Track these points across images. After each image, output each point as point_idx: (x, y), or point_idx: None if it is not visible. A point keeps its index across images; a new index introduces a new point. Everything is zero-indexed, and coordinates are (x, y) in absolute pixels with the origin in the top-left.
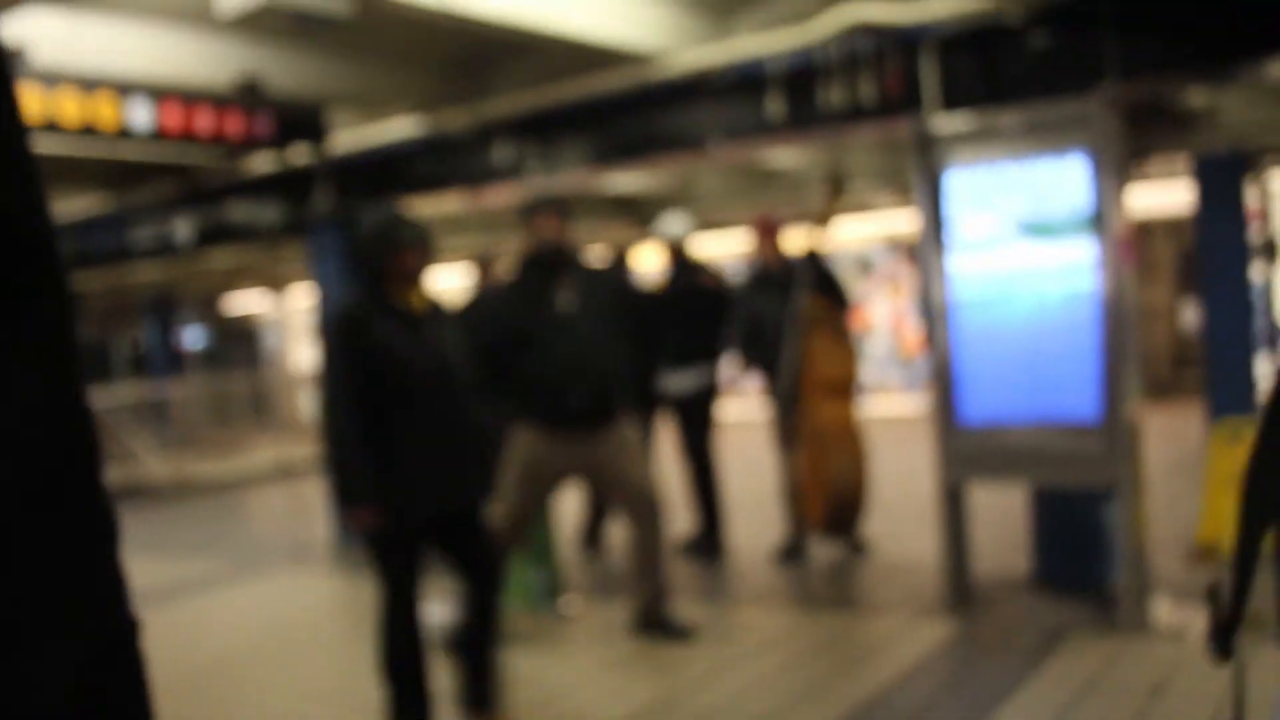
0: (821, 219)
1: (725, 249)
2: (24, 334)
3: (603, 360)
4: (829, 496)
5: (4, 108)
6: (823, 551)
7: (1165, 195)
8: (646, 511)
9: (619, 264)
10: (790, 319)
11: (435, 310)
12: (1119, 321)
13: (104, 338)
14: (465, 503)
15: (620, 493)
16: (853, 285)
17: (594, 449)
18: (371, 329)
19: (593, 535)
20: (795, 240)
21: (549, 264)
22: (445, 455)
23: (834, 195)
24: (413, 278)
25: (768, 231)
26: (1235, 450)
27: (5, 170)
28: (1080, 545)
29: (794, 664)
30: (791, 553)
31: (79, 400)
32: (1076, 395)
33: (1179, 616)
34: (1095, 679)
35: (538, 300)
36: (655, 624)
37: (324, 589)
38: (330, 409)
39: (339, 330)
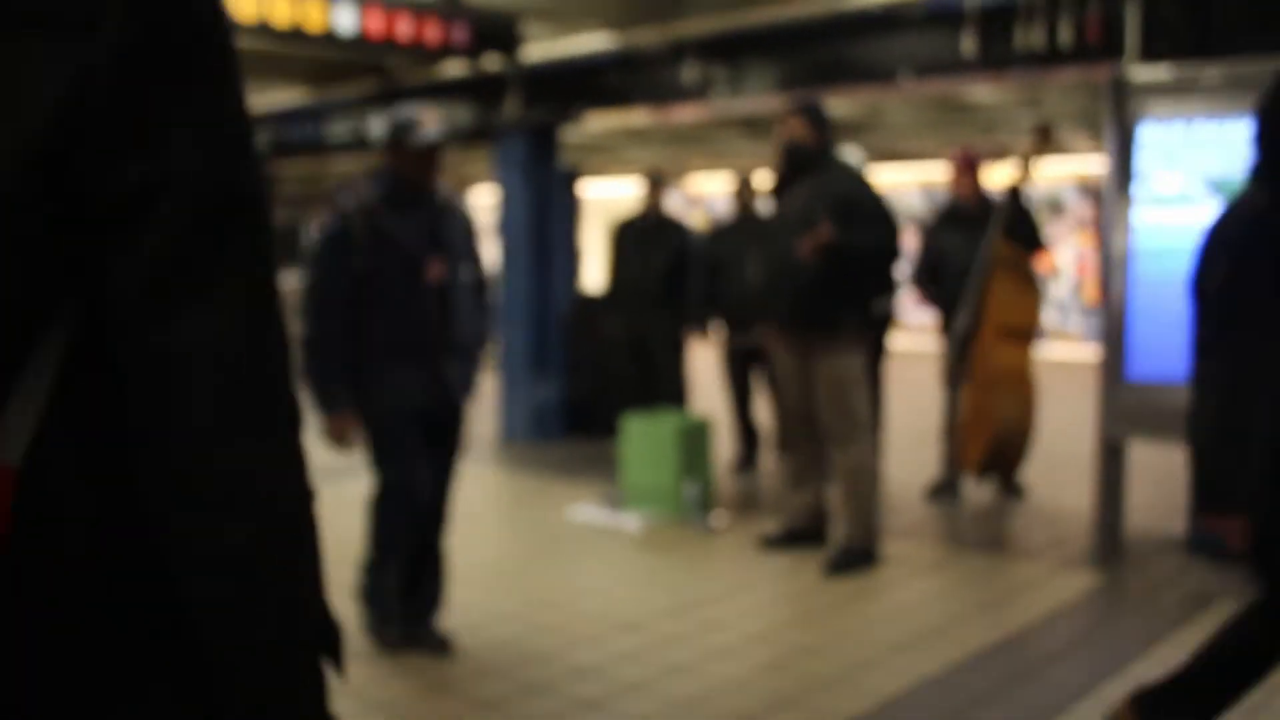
0: (1025, 162)
1: (911, 179)
2: (236, 265)
3: (799, 268)
4: (993, 439)
5: (238, 109)
6: (977, 492)
7: None
8: (837, 453)
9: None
10: (978, 258)
11: None
12: None
13: (296, 222)
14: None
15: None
16: (1042, 227)
17: (812, 363)
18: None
19: (748, 458)
20: (995, 178)
21: (788, 165)
22: None
23: (1042, 143)
24: None
25: (968, 167)
26: None
27: (238, 157)
28: None
29: (932, 599)
30: (945, 490)
31: (280, 323)
32: None
33: None
34: None
35: (776, 199)
36: (856, 559)
37: (485, 482)
38: None
39: None
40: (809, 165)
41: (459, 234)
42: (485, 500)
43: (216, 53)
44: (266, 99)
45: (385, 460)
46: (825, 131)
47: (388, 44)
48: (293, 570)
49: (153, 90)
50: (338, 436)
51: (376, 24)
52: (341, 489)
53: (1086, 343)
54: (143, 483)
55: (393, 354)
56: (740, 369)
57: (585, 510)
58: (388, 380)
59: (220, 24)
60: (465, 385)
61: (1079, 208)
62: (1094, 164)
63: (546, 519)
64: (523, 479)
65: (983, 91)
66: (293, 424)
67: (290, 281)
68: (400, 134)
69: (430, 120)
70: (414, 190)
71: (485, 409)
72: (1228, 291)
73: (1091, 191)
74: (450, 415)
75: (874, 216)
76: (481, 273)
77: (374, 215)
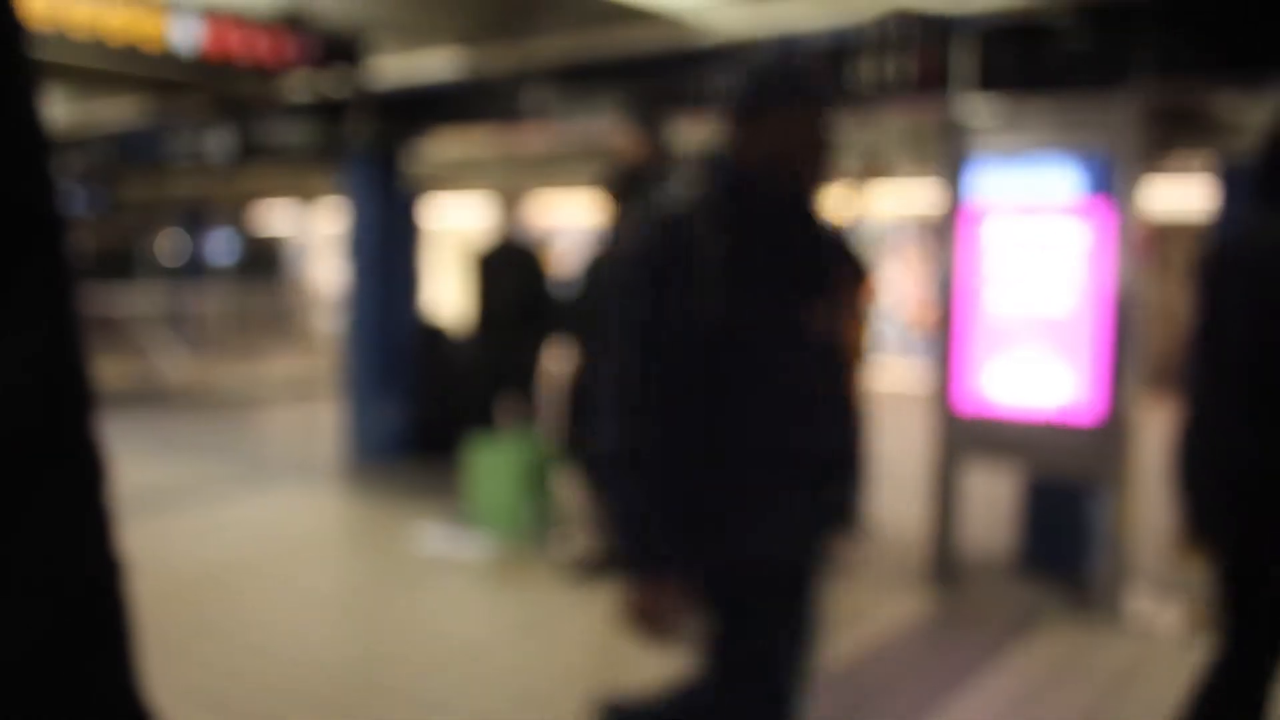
0: (852, 190)
1: None
2: (16, 293)
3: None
4: None
5: (17, 87)
6: None
7: (1184, 194)
8: None
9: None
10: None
11: None
12: (1125, 320)
13: (133, 243)
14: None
15: None
16: (866, 255)
17: None
18: None
19: None
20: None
21: (618, 187)
22: None
23: (869, 172)
24: None
25: None
26: None
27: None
28: (1065, 532)
29: None
30: None
31: (72, 351)
32: (1076, 389)
33: (1153, 609)
34: (1064, 663)
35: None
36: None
37: (328, 506)
38: None
39: None
40: (641, 189)
41: (839, 263)
42: (328, 525)
43: (8, 61)
44: (102, 115)
45: (741, 646)
46: (665, 153)
47: (228, 62)
48: (101, 664)
49: None
50: (659, 615)
51: (217, 41)
52: (163, 522)
53: (912, 369)
54: None
55: (763, 469)
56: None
57: (432, 535)
58: (754, 518)
59: (12, 30)
60: (851, 513)
61: (901, 238)
62: (917, 196)
63: (392, 545)
64: (368, 503)
65: None
66: (95, 480)
67: (125, 303)
68: (790, 88)
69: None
70: (792, 189)
71: (324, 437)
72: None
73: (915, 223)
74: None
75: None
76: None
77: (725, 223)
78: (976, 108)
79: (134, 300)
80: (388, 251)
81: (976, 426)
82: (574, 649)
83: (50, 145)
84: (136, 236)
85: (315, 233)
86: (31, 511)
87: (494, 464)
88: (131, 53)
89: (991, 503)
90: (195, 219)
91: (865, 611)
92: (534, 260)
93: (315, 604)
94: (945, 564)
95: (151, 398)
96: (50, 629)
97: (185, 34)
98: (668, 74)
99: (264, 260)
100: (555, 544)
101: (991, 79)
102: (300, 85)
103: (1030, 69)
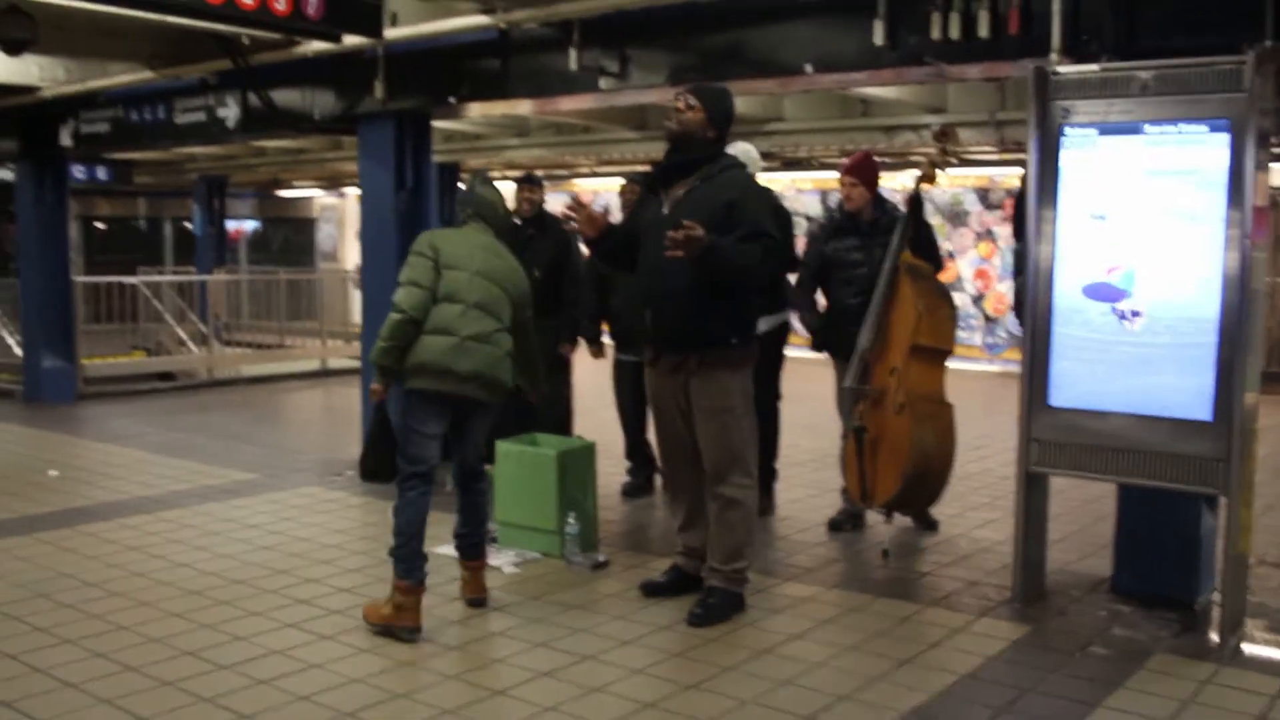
0: (931, 170)
1: (808, 183)
2: None
3: (676, 281)
4: (907, 472)
5: None
6: (882, 525)
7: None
8: (712, 485)
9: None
10: (883, 271)
11: None
12: (1244, 308)
13: (154, 218)
14: None
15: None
16: (940, 234)
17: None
18: None
19: (642, 483)
20: (896, 187)
21: (669, 161)
22: None
23: (947, 148)
24: None
25: (862, 173)
26: None
27: None
28: (1171, 552)
29: (840, 656)
30: (847, 522)
31: None
32: (1188, 385)
33: (1276, 644)
34: (1181, 711)
35: (656, 197)
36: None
37: (347, 509)
38: None
39: None
40: (699, 162)
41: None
42: (342, 533)
43: None
44: (103, 73)
45: None
46: (724, 124)
47: (230, 9)
48: None
49: None
50: None
51: None
52: (168, 523)
53: (989, 358)
54: None
55: None
56: (632, 385)
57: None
58: None
59: None
60: None
61: (979, 216)
62: (996, 171)
63: None
64: (385, 508)
65: (887, 90)
66: None
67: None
68: None
69: None
70: None
71: (348, 430)
72: None
73: (994, 200)
74: None
75: (760, 226)
76: None
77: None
78: (1071, 68)
79: (150, 278)
80: (413, 228)
81: (1070, 429)
82: (611, 683)
83: None
84: (152, 210)
85: (351, 211)
86: None
87: (524, 470)
88: None
89: (1079, 510)
90: (217, 194)
91: (943, 640)
92: (562, 237)
93: (323, 625)
94: (1033, 586)
95: (171, 383)
96: None
97: None
98: (718, 31)
99: (292, 238)
100: (596, 560)
101: (1086, 35)
102: (316, 47)
103: (1129, 25)
